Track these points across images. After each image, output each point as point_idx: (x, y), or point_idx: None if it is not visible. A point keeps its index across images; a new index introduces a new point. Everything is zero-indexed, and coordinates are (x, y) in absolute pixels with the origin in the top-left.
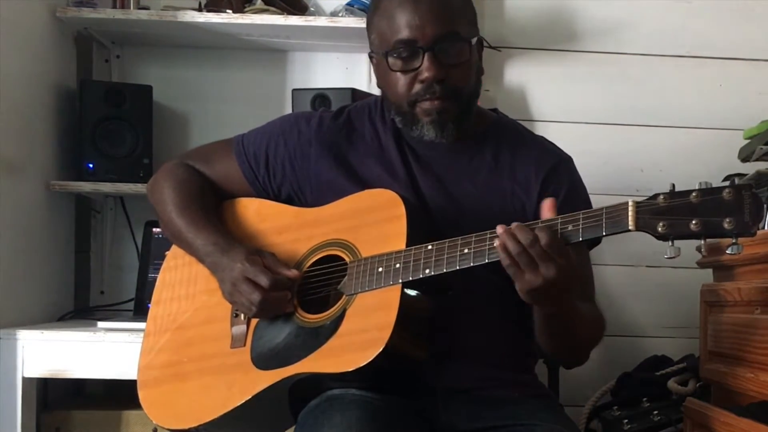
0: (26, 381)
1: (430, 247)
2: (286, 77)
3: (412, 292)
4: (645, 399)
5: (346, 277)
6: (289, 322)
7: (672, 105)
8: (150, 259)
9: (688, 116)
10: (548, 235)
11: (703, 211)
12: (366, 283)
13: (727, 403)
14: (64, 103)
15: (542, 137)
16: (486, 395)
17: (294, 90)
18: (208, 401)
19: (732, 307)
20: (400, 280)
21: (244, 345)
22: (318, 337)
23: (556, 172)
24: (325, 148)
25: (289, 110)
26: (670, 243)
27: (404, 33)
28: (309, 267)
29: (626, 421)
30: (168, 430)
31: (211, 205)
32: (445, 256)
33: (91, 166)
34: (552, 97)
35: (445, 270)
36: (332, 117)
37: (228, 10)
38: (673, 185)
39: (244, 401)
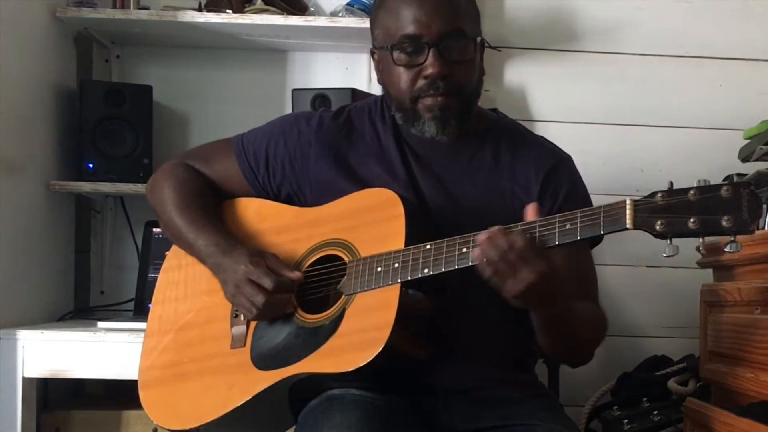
0: (26, 381)
1: (428, 246)
2: (286, 77)
3: (411, 292)
4: (645, 399)
5: (345, 277)
6: (288, 323)
7: (672, 105)
8: (150, 259)
9: (688, 116)
10: (524, 240)
11: (701, 209)
12: (365, 283)
13: (727, 403)
14: (64, 103)
15: (542, 137)
16: (486, 395)
17: (294, 90)
18: (208, 402)
19: (732, 307)
20: (399, 280)
21: (244, 345)
22: (317, 337)
23: (556, 171)
24: (324, 148)
25: (289, 110)
26: (668, 241)
27: (410, 28)
28: (308, 267)
29: (626, 421)
30: (168, 430)
31: (212, 205)
32: (444, 255)
33: (91, 166)
34: (552, 97)
35: (443, 269)
36: (332, 117)
37: (228, 10)
38: (671, 183)
39: (244, 401)
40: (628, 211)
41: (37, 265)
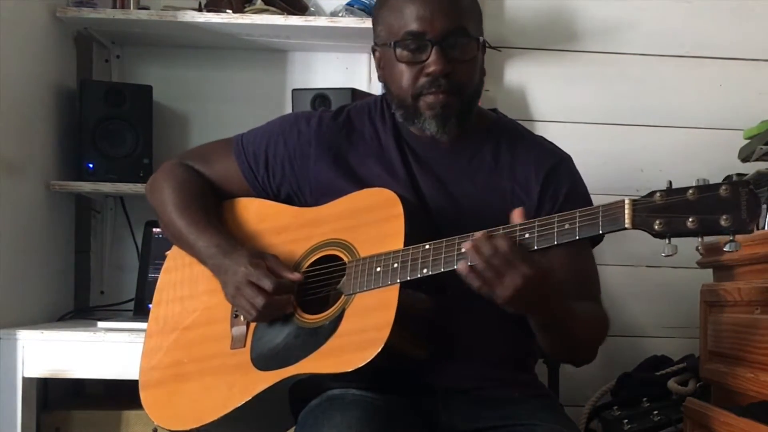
0: (26, 381)
1: (427, 246)
2: (286, 77)
3: (411, 292)
4: (645, 399)
5: (345, 277)
6: (288, 323)
7: (672, 105)
8: (150, 259)
9: (688, 116)
10: (507, 244)
11: (700, 209)
12: (364, 283)
13: (727, 403)
14: (64, 103)
15: (542, 137)
16: (486, 395)
17: (294, 90)
18: (208, 402)
19: (732, 307)
20: (398, 280)
21: (244, 346)
22: (317, 337)
23: (557, 171)
24: (324, 148)
25: (289, 110)
26: (667, 241)
27: (414, 25)
28: (308, 267)
29: (626, 421)
30: (169, 430)
31: (212, 205)
32: (443, 255)
33: (91, 166)
34: (552, 97)
35: (442, 269)
36: (332, 117)
37: (228, 10)
38: (670, 182)
39: (244, 402)
40: (626, 211)
41: (37, 265)
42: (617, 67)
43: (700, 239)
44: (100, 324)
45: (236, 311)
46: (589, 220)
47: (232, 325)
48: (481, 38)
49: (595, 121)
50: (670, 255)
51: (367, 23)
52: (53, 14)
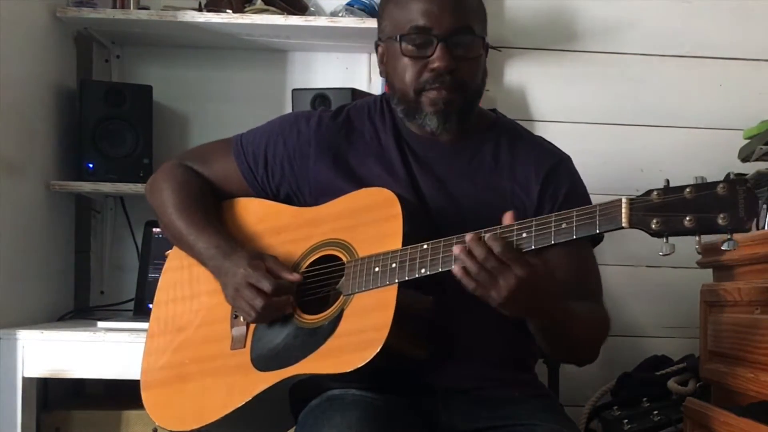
0: (26, 381)
1: (425, 246)
2: (286, 77)
3: (409, 292)
4: (645, 399)
5: (344, 278)
6: (287, 324)
7: (672, 105)
8: (150, 259)
9: (688, 116)
10: (501, 245)
11: (697, 207)
12: (363, 283)
13: (727, 403)
14: (64, 103)
15: (541, 137)
16: (486, 395)
17: (294, 90)
18: (209, 403)
19: (732, 307)
20: (397, 280)
21: (244, 346)
22: (316, 337)
23: (556, 171)
24: (324, 147)
25: (289, 110)
26: (664, 240)
27: (421, 20)
28: (307, 267)
29: (626, 421)
30: (170, 431)
31: (211, 206)
32: (441, 255)
33: (91, 166)
34: (552, 97)
35: (440, 269)
36: (331, 116)
37: (228, 10)
38: (668, 181)
39: (244, 402)
40: (623, 210)
41: (37, 265)
42: (617, 67)
43: (697, 238)
44: (100, 324)
45: (236, 312)
46: (586, 219)
47: (232, 326)
48: (485, 38)
49: (595, 121)
50: (668, 254)
51: (368, 23)
52: (53, 14)
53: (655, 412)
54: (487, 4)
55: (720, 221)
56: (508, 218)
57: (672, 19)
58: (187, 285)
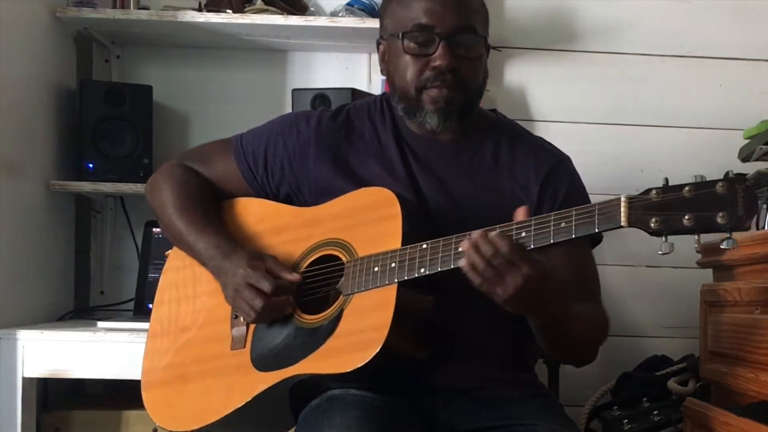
0: (26, 381)
1: (425, 246)
2: (286, 77)
3: (409, 292)
4: (645, 399)
5: (343, 277)
6: (287, 324)
7: (672, 105)
8: (150, 259)
9: (688, 116)
10: (508, 245)
11: (696, 206)
12: (362, 283)
13: (727, 403)
14: (64, 103)
15: (541, 138)
16: (486, 395)
17: (294, 90)
18: (209, 403)
19: (732, 307)
20: (396, 280)
21: (244, 346)
22: (316, 337)
23: (556, 172)
24: (324, 147)
25: (289, 110)
26: (663, 239)
27: (424, 18)
28: (307, 267)
29: (626, 421)
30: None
31: (211, 206)
32: (440, 255)
33: (91, 166)
34: (552, 97)
35: (439, 269)
36: (331, 116)
37: (228, 10)
38: (667, 180)
39: (244, 403)
40: (622, 209)
41: (37, 265)
42: (617, 67)
43: (697, 237)
44: (100, 324)
45: (236, 312)
46: (585, 218)
47: (232, 326)
48: (487, 39)
49: (595, 121)
50: (667, 253)
51: (368, 23)
52: (53, 14)
53: (655, 412)
54: (487, 4)
55: (719, 220)
56: (521, 213)
57: (672, 19)
58: (188, 285)
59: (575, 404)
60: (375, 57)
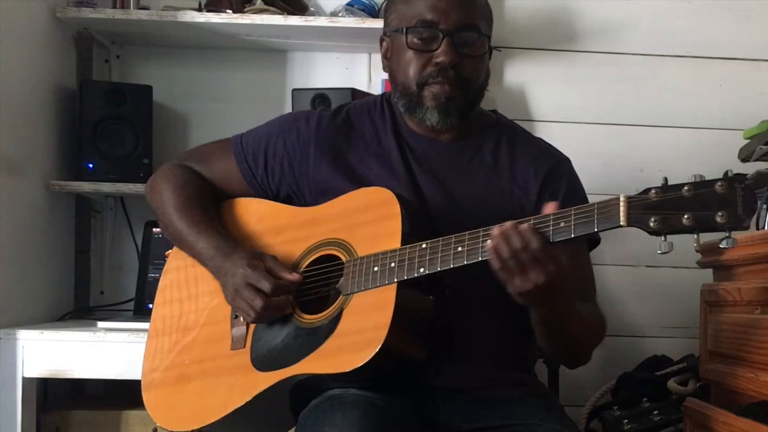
0: (26, 381)
1: (424, 245)
2: (286, 77)
3: (409, 291)
4: (645, 399)
5: (343, 277)
6: (287, 324)
7: (672, 105)
8: (150, 259)
9: (688, 116)
10: (539, 241)
11: (695, 205)
12: (362, 283)
13: (727, 403)
14: (64, 103)
15: (540, 138)
16: (486, 395)
17: (294, 90)
18: (209, 403)
19: (732, 307)
20: (396, 280)
21: (244, 346)
22: (316, 337)
23: (555, 172)
24: (324, 147)
25: (289, 110)
26: (662, 238)
27: (428, 14)
28: (306, 267)
29: (626, 421)
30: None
31: (211, 206)
32: (440, 254)
33: (91, 166)
34: (552, 97)
35: (439, 269)
36: (331, 116)
37: (228, 10)
38: (666, 179)
39: (244, 403)
40: (621, 208)
41: (37, 265)
42: (617, 67)
43: (696, 236)
44: (100, 324)
45: (236, 312)
46: (584, 218)
47: (232, 326)
48: (490, 39)
49: (595, 121)
50: (666, 252)
51: (368, 23)
52: (53, 14)
53: (655, 412)
54: None
55: (718, 219)
56: (551, 206)
57: (672, 19)
58: (187, 285)
59: (575, 404)
60: (375, 57)
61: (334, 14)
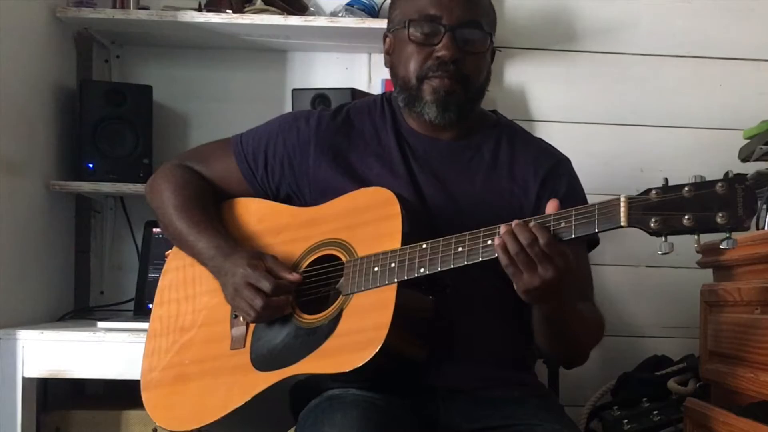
0: (26, 381)
1: (424, 246)
2: (286, 77)
3: (409, 292)
4: (645, 399)
5: (343, 277)
6: (287, 323)
7: (672, 105)
8: (150, 259)
9: (688, 116)
10: (547, 236)
11: (696, 206)
12: (362, 283)
13: (727, 403)
14: (64, 103)
15: (540, 138)
16: (486, 395)
17: (294, 90)
18: (209, 403)
19: (732, 307)
20: (396, 280)
21: (244, 346)
22: (316, 337)
23: (555, 172)
24: (324, 147)
25: (289, 110)
26: (663, 239)
27: (431, 9)
28: (306, 267)
29: (626, 421)
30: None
31: (211, 206)
32: (440, 254)
33: (91, 166)
34: (552, 97)
35: (439, 269)
36: (331, 115)
37: (228, 10)
38: (666, 180)
39: (244, 402)
40: (622, 209)
41: (37, 265)
42: (617, 67)
43: (696, 237)
44: (100, 324)
45: (236, 312)
46: (585, 218)
47: (231, 326)
48: (493, 38)
49: (595, 121)
50: (667, 253)
51: (368, 23)
52: (53, 14)
53: (655, 412)
54: None
55: (719, 220)
56: (552, 205)
57: (672, 19)
58: (188, 285)
59: (575, 404)
60: (375, 57)
61: (334, 14)
